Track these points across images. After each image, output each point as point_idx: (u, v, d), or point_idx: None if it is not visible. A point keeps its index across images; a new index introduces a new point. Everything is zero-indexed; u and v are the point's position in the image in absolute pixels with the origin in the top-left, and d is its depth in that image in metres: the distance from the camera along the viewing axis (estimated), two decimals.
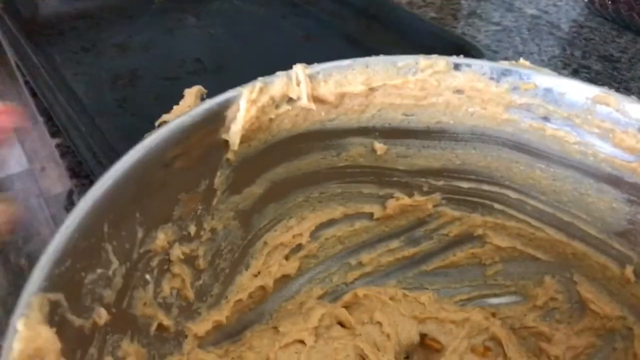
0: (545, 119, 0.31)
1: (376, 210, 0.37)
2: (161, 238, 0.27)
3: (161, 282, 0.28)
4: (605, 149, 0.29)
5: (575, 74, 0.63)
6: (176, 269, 0.29)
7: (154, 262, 0.27)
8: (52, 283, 0.19)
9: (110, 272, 0.24)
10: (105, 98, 0.57)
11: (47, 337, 0.18)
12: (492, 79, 0.31)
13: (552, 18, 0.74)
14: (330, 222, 0.36)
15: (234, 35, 0.71)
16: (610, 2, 0.69)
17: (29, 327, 0.18)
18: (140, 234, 0.26)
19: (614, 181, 0.30)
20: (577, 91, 0.30)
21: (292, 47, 0.67)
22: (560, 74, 0.66)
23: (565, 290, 0.34)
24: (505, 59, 0.64)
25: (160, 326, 0.29)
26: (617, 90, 0.61)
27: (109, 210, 0.23)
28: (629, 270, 0.31)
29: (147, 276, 0.27)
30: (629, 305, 0.31)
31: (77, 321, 0.21)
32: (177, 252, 0.29)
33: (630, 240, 0.30)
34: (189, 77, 0.60)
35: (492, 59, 0.64)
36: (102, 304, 0.24)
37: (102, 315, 0.23)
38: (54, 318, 0.20)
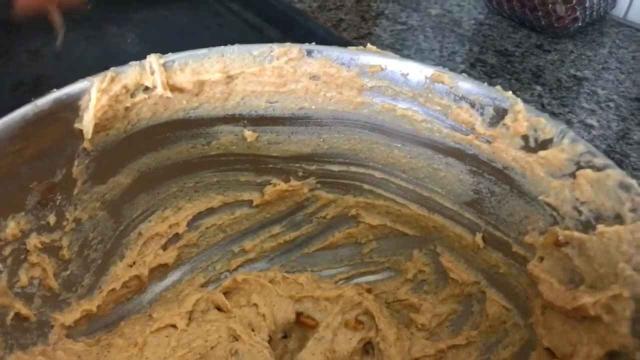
0: (395, 99, 0.33)
1: (255, 197, 0.38)
2: (12, 227, 0.27)
3: (17, 272, 0.29)
4: (446, 124, 0.32)
5: (472, 67, 0.66)
6: (34, 258, 0.29)
7: (6, 251, 0.28)
8: None
9: None
10: (2, 105, 0.56)
11: None
12: (342, 64, 0.33)
13: (455, 17, 0.77)
14: (210, 211, 0.37)
15: (151, 45, 0.71)
16: (505, 1, 0.73)
17: None
18: None
19: (458, 154, 0.32)
20: (417, 71, 0.32)
21: None
22: (457, 67, 0.68)
23: (431, 262, 0.36)
24: (407, 56, 0.67)
25: (19, 316, 0.29)
26: (509, 80, 0.65)
27: None
28: (478, 237, 0.33)
29: None
30: (481, 270, 0.34)
31: None
32: (34, 241, 0.29)
33: (477, 209, 0.33)
34: None
35: None
36: None
37: None
38: None
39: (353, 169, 0.36)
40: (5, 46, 0.67)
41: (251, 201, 0.38)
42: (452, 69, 0.32)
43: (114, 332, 0.33)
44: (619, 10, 0.75)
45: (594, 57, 0.69)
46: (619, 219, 0.24)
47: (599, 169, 0.25)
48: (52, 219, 0.30)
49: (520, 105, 0.28)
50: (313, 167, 0.37)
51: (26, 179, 0.28)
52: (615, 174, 0.24)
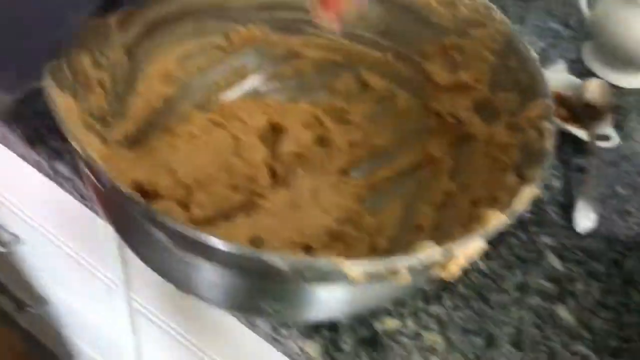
0: None
1: (222, 41, 0.49)
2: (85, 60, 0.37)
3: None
4: None
5: None
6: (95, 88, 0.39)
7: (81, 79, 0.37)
8: None
9: None
10: None
11: None
12: None
13: None
14: (190, 53, 0.48)
15: None
16: None
17: None
18: None
19: None
20: None
21: None
22: None
23: (357, 79, 0.52)
24: None
25: None
26: None
27: None
28: (389, 55, 0.49)
29: None
30: (390, 79, 0.51)
31: None
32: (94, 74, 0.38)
33: (388, 36, 0.49)
34: None
35: None
36: None
37: None
38: None
39: (297, 15, 0.50)
40: None
41: (220, 45, 0.49)
42: None
43: (146, 145, 0.44)
44: None
45: None
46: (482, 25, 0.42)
47: None
48: (102, 59, 0.39)
49: None
50: (266, 15, 0.49)
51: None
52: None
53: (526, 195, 0.29)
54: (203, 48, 0.49)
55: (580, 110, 0.59)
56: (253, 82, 0.53)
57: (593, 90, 0.60)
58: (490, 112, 0.41)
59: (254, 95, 0.53)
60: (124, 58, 0.42)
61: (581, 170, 0.57)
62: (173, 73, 0.47)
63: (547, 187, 0.56)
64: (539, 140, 0.33)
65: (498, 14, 0.41)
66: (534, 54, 0.38)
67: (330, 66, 0.53)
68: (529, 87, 0.37)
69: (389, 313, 0.44)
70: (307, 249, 0.41)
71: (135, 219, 0.30)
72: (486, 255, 0.49)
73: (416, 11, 0.46)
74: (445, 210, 0.43)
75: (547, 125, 0.33)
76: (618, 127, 0.62)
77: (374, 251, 0.44)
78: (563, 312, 0.47)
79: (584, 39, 0.71)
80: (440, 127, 0.47)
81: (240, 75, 0.52)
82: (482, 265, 0.48)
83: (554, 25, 0.74)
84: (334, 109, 0.53)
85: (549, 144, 0.32)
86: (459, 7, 0.43)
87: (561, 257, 0.50)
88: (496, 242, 0.50)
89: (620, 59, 0.63)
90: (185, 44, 0.48)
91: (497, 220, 0.28)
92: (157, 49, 0.46)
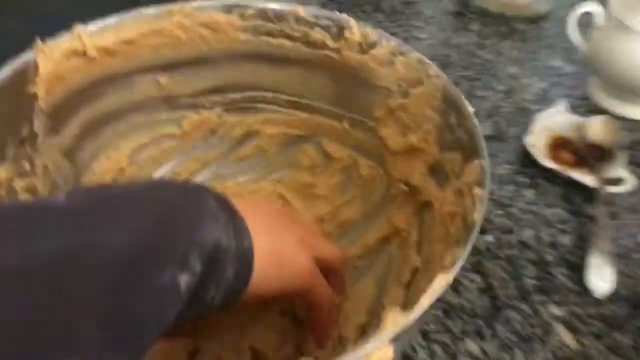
0: (268, 34, 0.44)
1: (176, 130, 0.48)
2: (2, 172, 0.36)
3: None
4: (308, 44, 0.44)
5: (324, 5, 0.78)
6: (22, 197, 0.38)
7: (2, 192, 0.36)
8: None
9: None
10: None
11: None
12: (224, 12, 0.44)
13: None
14: (142, 147, 0.47)
15: None
16: None
17: None
18: None
19: (322, 66, 0.45)
20: (280, 9, 0.43)
21: None
22: (311, 2, 0.79)
23: (319, 151, 0.49)
24: None
25: None
26: (356, 13, 0.78)
27: None
28: (345, 123, 0.46)
29: None
30: (351, 146, 0.47)
31: None
32: (19, 184, 0.37)
33: (341, 104, 0.46)
34: None
35: None
36: None
37: None
38: None
39: (249, 93, 0.48)
40: None
41: (174, 134, 0.48)
42: (307, 3, 0.44)
43: None
44: None
45: None
46: (421, 83, 0.38)
47: (405, 54, 0.39)
48: (27, 166, 0.38)
49: (352, 21, 0.41)
50: (218, 99, 0.48)
51: (3, 134, 0.36)
52: (415, 54, 0.38)
53: (439, 284, 0.24)
54: (156, 140, 0.48)
55: (585, 153, 0.52)
56: (215, 166, 0.51)
57: (596, 128, 0.53)
58: (442, 175, 0.36)
59: (217, 179, 0.51)
60: (63, 161, 0.41)
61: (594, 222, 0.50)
62: (126, 168, 0.46)
63: (553, 245, 0.49)
64: (472, 210, 0.28)
65: (433, 68, 0.37)
66: (470, 108, 0.33)
67: (291, 140, 0.50)
68: (468, 146, 0.32)
69: None
70: (255, 352, 0.36)
71: None
72: (479, 336, 0.42)
73: (358, 74, 0.43)
74: (411, 290, 0.38)
75: (478, 192, 0.28)
76: (636, 165, 0.54)
77: (341, 342, 0.39)
78: None
79: (589, 75, 0.65)
80: (402, 196, 0.42)
81: (201, 161, 0.50)
82: (473, 348, 0.41)
83: (556, 63, 0.68)
84: (299, 184, 0.50)
85: (477, 215, 0.27)
86: (395, 65, 0.39)
87: (574, 330, 0.43)
88: (490, 318, 0.43)
89: (626, 89, 0.57)
90: (137, 138, 0.47)
91: (393, 322, 0.22)
92: (105, 146, 0.45)
